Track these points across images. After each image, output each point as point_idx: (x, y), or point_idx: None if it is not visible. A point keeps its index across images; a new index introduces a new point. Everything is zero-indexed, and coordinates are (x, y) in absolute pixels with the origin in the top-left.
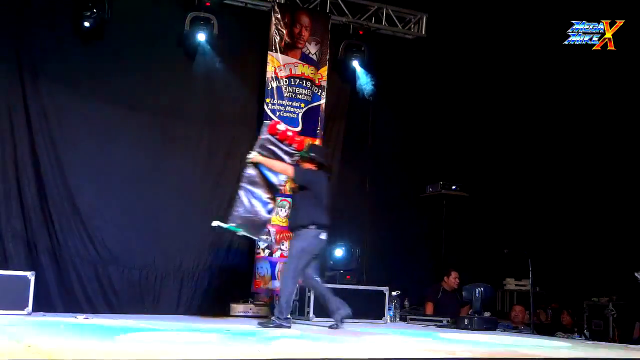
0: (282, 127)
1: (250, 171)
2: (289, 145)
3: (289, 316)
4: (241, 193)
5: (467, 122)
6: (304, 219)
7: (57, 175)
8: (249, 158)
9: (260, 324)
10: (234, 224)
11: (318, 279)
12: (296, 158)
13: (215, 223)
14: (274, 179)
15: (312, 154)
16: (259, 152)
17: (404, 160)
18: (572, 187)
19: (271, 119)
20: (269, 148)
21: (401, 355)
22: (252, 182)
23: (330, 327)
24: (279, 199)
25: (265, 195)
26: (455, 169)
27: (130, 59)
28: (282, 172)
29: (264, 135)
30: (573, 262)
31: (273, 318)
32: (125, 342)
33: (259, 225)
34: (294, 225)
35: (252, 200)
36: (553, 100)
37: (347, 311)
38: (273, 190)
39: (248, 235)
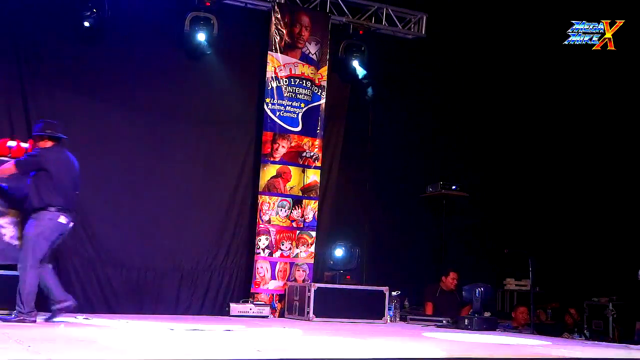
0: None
1: None
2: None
3: (33, 310)
4: None
5: (467, 122)
6: (40, 201)
7: None
8: None
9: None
10: None
11: (50, 265)
12: (34, 153)
13: None
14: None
15: (47, 131)
16: None
17: (404, 160)
18: (572, 187)
19: (271, 118)
20: None
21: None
22: None
23: (47, 319)
24: (278, 198)
25: (5, 209)
26: (455, 169)
27: (130, 58)
28: (8, 173)
29: None
30: (573, 262)
31: (15, 312)
32: (125, 342)
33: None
34: (30, 208)
35: None
36: (553, 100)
37: (71, 303)
38: (10, 198)
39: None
